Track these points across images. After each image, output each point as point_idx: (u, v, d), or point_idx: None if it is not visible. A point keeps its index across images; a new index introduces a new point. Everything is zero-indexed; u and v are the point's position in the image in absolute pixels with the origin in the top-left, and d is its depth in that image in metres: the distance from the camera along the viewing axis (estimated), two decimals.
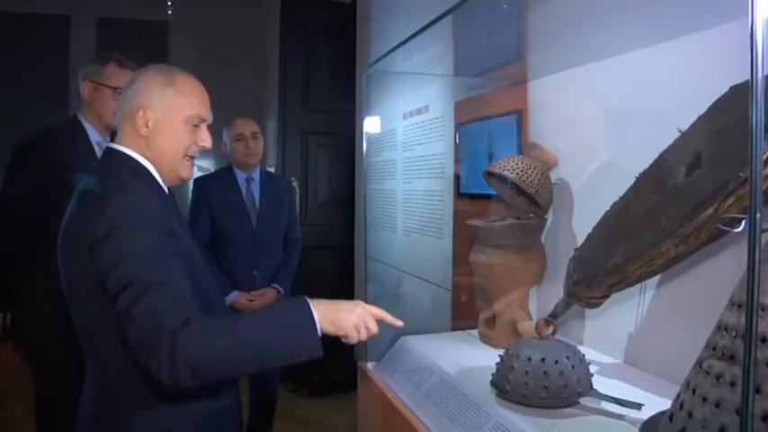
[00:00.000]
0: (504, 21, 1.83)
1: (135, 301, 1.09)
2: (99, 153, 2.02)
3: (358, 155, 4.31)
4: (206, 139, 1.37)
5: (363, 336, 1.27)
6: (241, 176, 2.95)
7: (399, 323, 1.36)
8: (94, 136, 2.19)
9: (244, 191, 2.95)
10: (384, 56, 2.03)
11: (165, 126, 1.31)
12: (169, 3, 6.10)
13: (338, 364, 4.26)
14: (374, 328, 1.28)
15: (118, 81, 2.10)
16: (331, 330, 1.22)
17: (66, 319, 1.92)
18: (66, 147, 2.09)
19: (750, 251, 0.65)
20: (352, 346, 4.46)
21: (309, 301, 1.21)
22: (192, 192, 2.98)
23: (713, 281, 1.36)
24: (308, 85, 4.42)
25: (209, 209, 2.87)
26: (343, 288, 4.27)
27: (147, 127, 1.29)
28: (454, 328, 2.27)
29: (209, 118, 1.38)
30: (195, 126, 1.34)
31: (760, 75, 0.65)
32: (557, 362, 1.29)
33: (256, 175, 2.99)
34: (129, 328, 1.10)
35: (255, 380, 2.95)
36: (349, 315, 1.24)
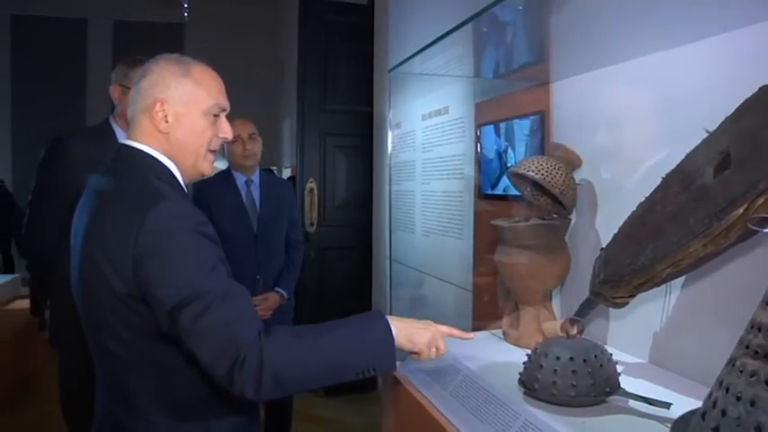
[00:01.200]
0: (526, 22, 1.85)
1: (202, 314, 1.06)
2: None
3: (376, 156, 4.34)
4: (227, 131, 1.31)
5: (434, 355, 1.29)
6: (240, 179, 2.94)
7: (470, 336, 1.42)
8: (123, 139, 2.21)
9: (243, 194, 2.93)
10: (410, 58, 2.05)
11: (186, 119, 1.24)
12: (185, 5, 6.17)
13: None
14: (444, 348, 1.31)
15: None
16: (407, 347, 1.26)
17: None
18: (93, 148, 2.09)
19: None
20: None
21: (387, 316, 1.24)
22: (191, 196, 2.96)
23: (739, 281, 1.37)
24: (327, 86, 4.45)
25: (208, 213, 2.84)
26: (360, 289, 4.30)
27: (166, 122, 1.22)
28: (475, 329, 2.28)
29: (228, 107, 1.32)
30: (215, 116, 1.28)
31: None
32: (585, 361, 1.30)
33: (256, 177, 2.98)
34: (202, 344, 1.07)
35: None
36: (424, 333, 1.27)
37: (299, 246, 3.12)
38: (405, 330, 1.25)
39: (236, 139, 2.87)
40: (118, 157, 1.27)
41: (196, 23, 6.57)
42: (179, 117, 1.24)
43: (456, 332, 1.36)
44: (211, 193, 2.87)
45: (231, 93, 1.34)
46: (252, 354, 1.05)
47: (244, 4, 6.51)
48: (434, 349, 1.29)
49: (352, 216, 4.51)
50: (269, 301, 2.86)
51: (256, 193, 2.97)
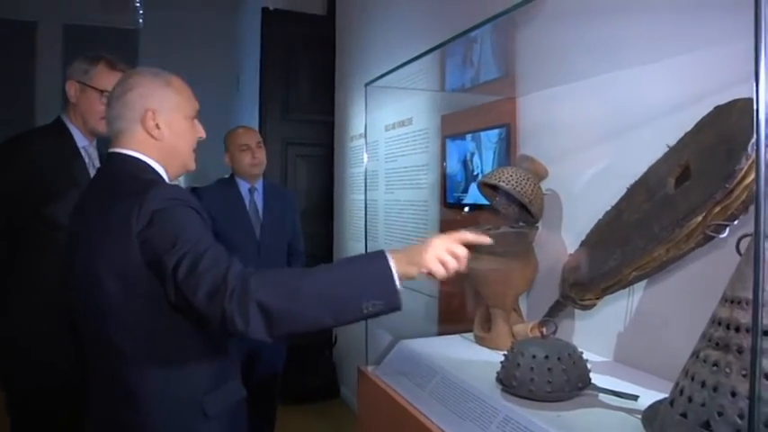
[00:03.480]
0: (492, 39, 1.95)
1: (197, 261, 1.12)
2: (86, 158, 1.97)
3: (337, 165, 4.40)
4: (201, 131, 1.45)
5: (452, 266, 1.21)
6: (244, 187, 2.94)
7: (487, 240, 1.31)
8: (80, 140, 2.01)
9: (247, 201, 2.93)
10: (388, 73, 2.11)
11: (175, 125, 1.36)
12: (140, 12, 6.09)
13: (318, 372, 4.34)
14: (462, 254, 1.21)
15: (106, 83, 1.90)
16: (411, 271, 1.19)
17: (51, 336, 1.79)
18: (52, 151, 1.93)
19: (756, 257, 0.77)
20: (331, 351, 4.47)
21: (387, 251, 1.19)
22: None
23: (697, 283, 1.49)
24: (288, 95, 4.49)
25: (210, 221, 2.80)
26: None
27: (158, 128, 1.33)
28: (441, 333, 2.36)
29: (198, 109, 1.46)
30: (193, 119, 1.42)
31: None
32: (559, 359, 1.40)
33: (260, 185, 2.98)
34: (198, 287, 1.11)
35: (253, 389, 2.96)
36: (424, 248, 1.20)
37: (300, 256, 3.11)
38: (402, 257, 1.18)
39: (245, 147, 2.89)
40: (108, 164, 1.37)
41: (151, 30, 6.48)
42: (168, 124, 1.36)
43: (468, 236, 1.25)
44: (214, 200, 2.82)
45: None
46: (239, 284, 1.09)
47: (200, 12, 6.46)
48: (450, 258, 1.20)
49: (313, 225, 4.54)
50: None
51: (260, 201, 2.96)
